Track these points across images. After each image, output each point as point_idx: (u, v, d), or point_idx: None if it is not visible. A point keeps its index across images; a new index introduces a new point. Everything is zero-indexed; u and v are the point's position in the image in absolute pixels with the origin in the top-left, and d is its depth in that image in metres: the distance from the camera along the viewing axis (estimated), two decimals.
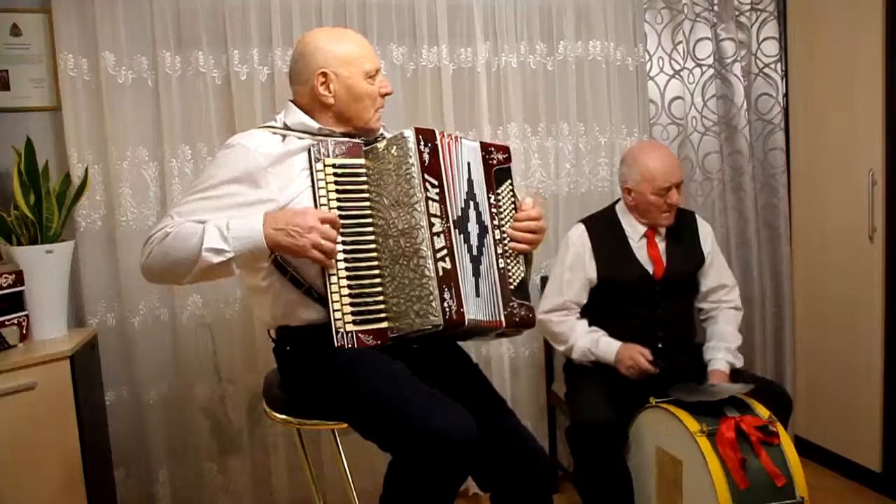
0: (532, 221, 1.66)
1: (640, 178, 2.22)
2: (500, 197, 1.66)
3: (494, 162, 1.67)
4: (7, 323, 2.01)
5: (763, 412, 1.91)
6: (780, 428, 1.89)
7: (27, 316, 2.07)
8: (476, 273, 1.56)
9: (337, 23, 2.43)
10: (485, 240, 1.61)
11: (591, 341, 2.21)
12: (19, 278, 2.04)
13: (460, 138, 1.63)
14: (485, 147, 1.67)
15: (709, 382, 2.14)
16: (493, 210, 1.64)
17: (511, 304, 1.59)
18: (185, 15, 2.34)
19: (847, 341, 2.61)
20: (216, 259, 1.47)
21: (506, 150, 1.71)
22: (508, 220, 1.66)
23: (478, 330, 1.57)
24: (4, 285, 2.00)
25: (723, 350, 2.22)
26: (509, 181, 1.69)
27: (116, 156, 2.28)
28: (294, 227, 1.46)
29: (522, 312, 1.61)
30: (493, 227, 1.63)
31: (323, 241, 1.46)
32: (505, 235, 1.64)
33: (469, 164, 1.62)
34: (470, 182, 1.61)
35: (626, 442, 2.10)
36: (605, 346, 2.19)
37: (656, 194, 2.20)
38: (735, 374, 2.19)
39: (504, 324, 1.57)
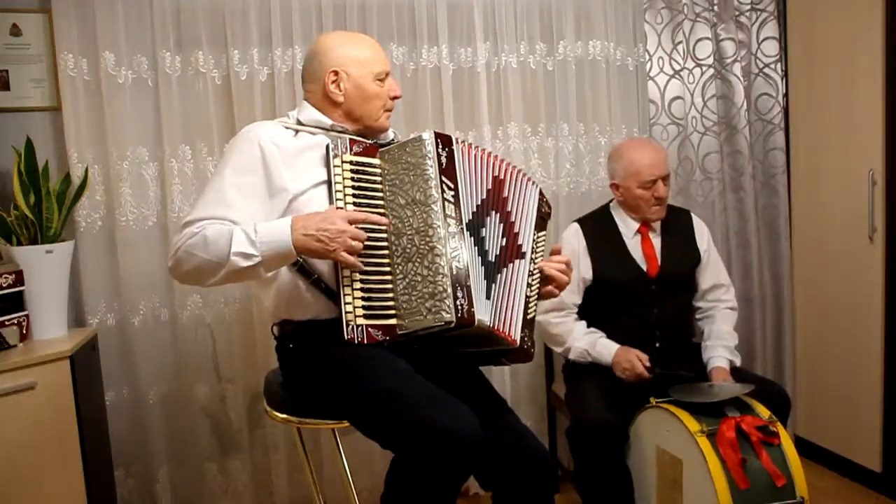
0: (563, 264, 1.74)
1: (626, 172, 2.23)
2: (539, 238, 1.73)
3: (542, 211, 1.76)
4: (7, 323, 2.01)
5: (763, 412, 1.91)
6: (780, 428, 1.89)
7: (27, 316, 2.07)
8: (489, 279, 1.57)
9: (337, 22, 2.43)
10: (520, 263, 1.64)
11: (588, 342, 2.22)
12: (19, 278, 2.04)
13: (523, 175, 1.72)
14: (541, 193, 1.77)
15: (711, 380, 2.15)
16: (534, 245, 1.69)
17: (525, 330, 1.62)
18: (185, 15, 2.34)
19: (847, 341, 2.61)
20: (244, 263, 1.48)
21: (550, 205, 1.83)
22: (540, 260, 1.73)
23: (481, 339, 1.58)
24: (4, 285, 2.00)
25: (722, 348, 2.22)
26: (545, 232, 1.77)
27: (116, 156, 2.29)
28: (324, 233, 1.47)
29: (529, 344, 1.64)
30: (531, 259, 1.67)
31: (353, 243, 1.48)
32: (536, 270, 1.69)
33: (502, 180, 1.67)
34: (502, 199, 1.66)
35: (626, 442, 2.10)
36: (602, 347, 2.19)
37: (642, 188, 2.21)
38: (735, 374, 2.19)
39: (517, 343, 1.59)
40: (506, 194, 1.67)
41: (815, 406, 2.79)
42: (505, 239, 1.64)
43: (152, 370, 2.37)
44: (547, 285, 1.73)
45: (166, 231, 2.33)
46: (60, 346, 2.02)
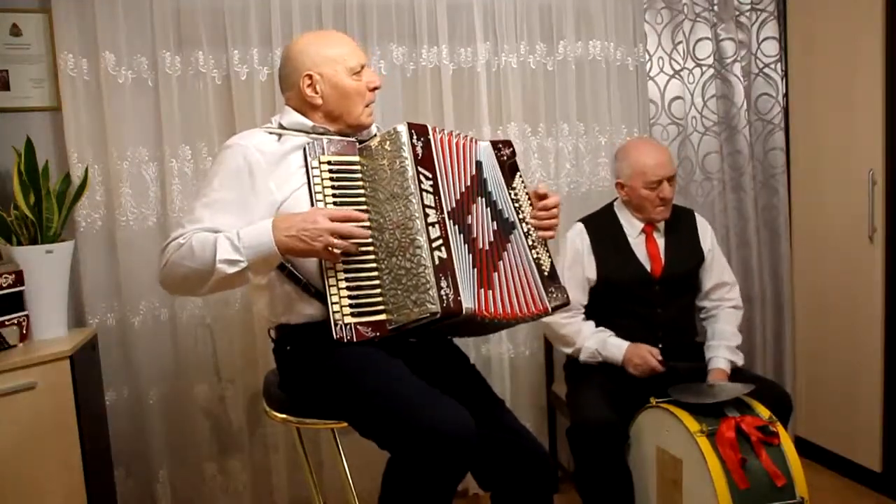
0: (555, 208, 1.74)
1: (631, 172, 2.24)
2: (516, 191, 1.72)
3: (505, 158, 1.73)
4: (7, 323, 2.01)
5: (763, 412, 1.91)
6: (780, 428, 1.89)
7: (27, 316, 2.07)
8: (483, 266, 1.57)
9: (337, 23, 2.43)
10: (512, 235, 1.66)
11: (598, 342, 2.21)
12: (19, 278, 2.04)
13: (472, 139, 1.69)
14: (494, 145, 1.73)
15: (709, 381, 2.15)
16: (516, 205, 1.69)
17: (550, 290, 1.66)
18: (185, 15, 2.34)
19: (847, 341, 2.60)
20: (230, 270, 1.48)
21: (509, 143, 1.77)
22: (527, 210, 1.73)
23: (485, 324, 1.58)
24: (4, 285, 2.00)
25: (723, 349, 2.22)
26: (519, 173, 1.75)
27: (116, 156, 2.29)
28: (305, 232, 1.47)
29: (562, 295, 1.69)
30: (520, 220, 1.68)
31: (337, 241, 1.48)
32: (530, 228, 1.70)
33: (480, 162, 1.68)
34: (482, 181, 1.67)
35: (626, 442, 2.10)
36: (612, 346, 2.19)
37: (648, 188, 2.21)
38: (735, 374, 2.19)
39: (550, 310, 1.65)
40: (488, 175, 1.68)
41: (815, 406, 2.79)
42: (495, 222, 1.65)
43: (152, 370, 2.37)
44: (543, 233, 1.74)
45: (166, 231, 2.33)
46: (60, 346, 2.02)
